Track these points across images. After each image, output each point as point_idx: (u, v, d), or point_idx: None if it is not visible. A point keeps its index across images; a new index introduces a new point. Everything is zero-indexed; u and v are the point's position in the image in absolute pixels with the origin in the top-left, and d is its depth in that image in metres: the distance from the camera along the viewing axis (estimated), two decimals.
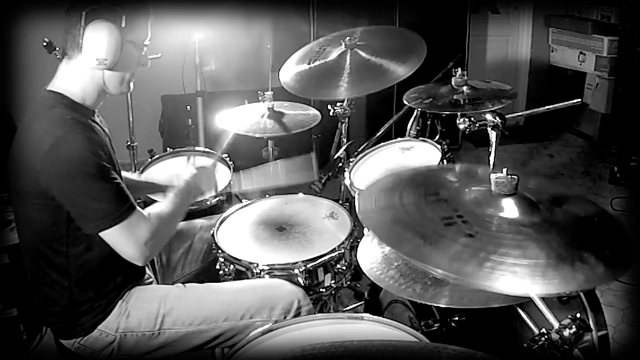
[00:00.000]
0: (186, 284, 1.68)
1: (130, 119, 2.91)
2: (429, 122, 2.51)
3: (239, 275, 1.76)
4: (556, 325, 1.03)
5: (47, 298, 1.52)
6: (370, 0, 4.09)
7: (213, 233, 1.86)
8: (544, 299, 1.06)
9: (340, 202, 2.29)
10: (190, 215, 2.07)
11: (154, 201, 1.83)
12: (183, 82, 3.86)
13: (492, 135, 1.69)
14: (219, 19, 3.57)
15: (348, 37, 2.24)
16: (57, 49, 1.48)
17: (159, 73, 2.80)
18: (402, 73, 2.11)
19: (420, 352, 0.84)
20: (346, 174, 2.19)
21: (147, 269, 1.73)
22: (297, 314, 1.60)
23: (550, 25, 4.99)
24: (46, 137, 1.36)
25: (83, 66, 1.46)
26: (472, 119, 1.70)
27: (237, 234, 1.90)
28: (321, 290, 1.77)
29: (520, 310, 1.31)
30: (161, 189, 1.88)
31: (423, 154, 2.21)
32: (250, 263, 1.72)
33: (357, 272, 1.85)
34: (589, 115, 4.70)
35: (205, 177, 1.77)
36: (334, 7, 3.99)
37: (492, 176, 1.14)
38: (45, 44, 1.49)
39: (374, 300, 1.82)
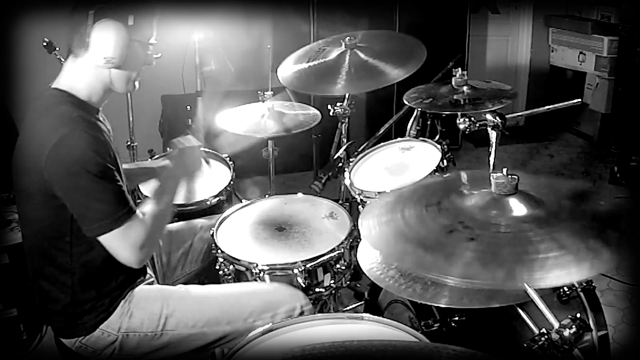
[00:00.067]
0: (189, 286, 1.68)
1: (130, 119, 2.92)
2: (429, 122, 2.51)
3: (239, 275, 1.76)
4: (556, 325, 1.03)
5: (49, 297, 1.52)
6: (370, 0, 4.08)
7: (213, 233, 1.86)
8: (544, 299, 1.06)
9: (340, 202, 2.29)
10: (190, 215, 2.08)
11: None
12: (183, 82, 3.86)
13: (492, 135, 1.69)
14: (219, 19, 3.57)
15: (348, 38, 2.26)
16: (57, 49, 1.48)
17: (159, 73, 2.79)
18: (399, 75, 2.12)
19: (420, 352, 0.84)
20: (346, 174, 2.19)
21: (147, 268, 1.73)
22: None
23: (550, 25, 4.98)
24: (51, 134, 1.36)
25: (90, 64, 1.46)
26: (472, 119, 1.70)
27: (236, 234, 1.90)
28: (321, 290, 1.77)
29: (520, 310, 1.31)
30: (155, 172, 1.89)
31: (423, 154, 2.21)
32: (250, 263, 1.72)
33: (357, 272, 1.85)
34: (589, 115, 4.70)
35: (191, 156, 1.75)
36: (334, 7, 3.99)
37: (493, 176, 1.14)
38: (45, 44, 1.49)
39: (374, 300, 1.82)
